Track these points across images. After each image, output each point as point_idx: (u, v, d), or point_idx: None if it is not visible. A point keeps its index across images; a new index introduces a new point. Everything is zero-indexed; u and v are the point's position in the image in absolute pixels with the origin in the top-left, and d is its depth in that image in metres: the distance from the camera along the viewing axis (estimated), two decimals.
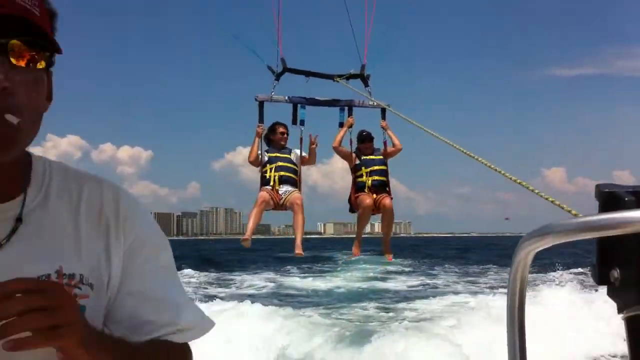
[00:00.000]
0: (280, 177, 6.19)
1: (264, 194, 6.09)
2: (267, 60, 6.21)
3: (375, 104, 6.29)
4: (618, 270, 0.58)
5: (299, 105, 6.23)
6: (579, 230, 0.54)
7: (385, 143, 6.55)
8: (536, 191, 1.79)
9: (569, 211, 1.38)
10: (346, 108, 6.38)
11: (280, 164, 6.22)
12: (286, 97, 6.21)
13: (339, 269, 27.08)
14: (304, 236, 6.66)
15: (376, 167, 6.53)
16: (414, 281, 20.54)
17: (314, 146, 6.24)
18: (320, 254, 40.10)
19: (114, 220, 1.02)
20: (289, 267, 27.45)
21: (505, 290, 0.69)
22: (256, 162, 6.21)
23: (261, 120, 6.17)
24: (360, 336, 8.81)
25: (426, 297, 14.70)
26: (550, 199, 1.60)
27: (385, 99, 6.49)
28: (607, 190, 0.60)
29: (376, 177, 6.52)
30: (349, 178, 6.75)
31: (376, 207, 6.55)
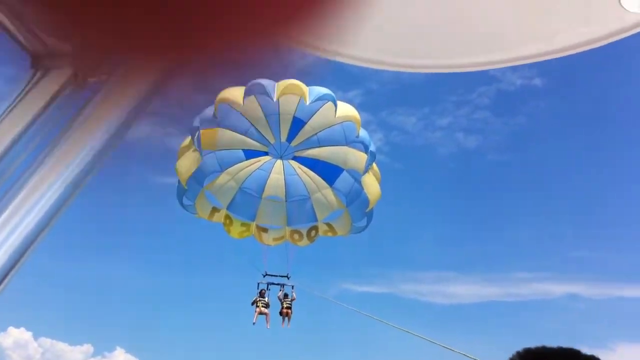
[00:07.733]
0: (263, 305, 20.66)
1: (258, 310, 20.45)
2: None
3: (290, 284, 21.33)
4: None
5: (268, 283, 21.15)
6: None
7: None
8: None
9: None
10: (283, 285, 21.29)
11: (263, 301, 20.75)
12: (265, 282, 21.13)
13: None
14: None
15: (287, 302, 21.19)
16: None
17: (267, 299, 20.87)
18: None
19: None
20: None
21: None
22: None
23: (258, 288, 20.90)
24: None
25: None
26: None
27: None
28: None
29: (287, 305, 21.13)
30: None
31: (285, 315, 21.03)
